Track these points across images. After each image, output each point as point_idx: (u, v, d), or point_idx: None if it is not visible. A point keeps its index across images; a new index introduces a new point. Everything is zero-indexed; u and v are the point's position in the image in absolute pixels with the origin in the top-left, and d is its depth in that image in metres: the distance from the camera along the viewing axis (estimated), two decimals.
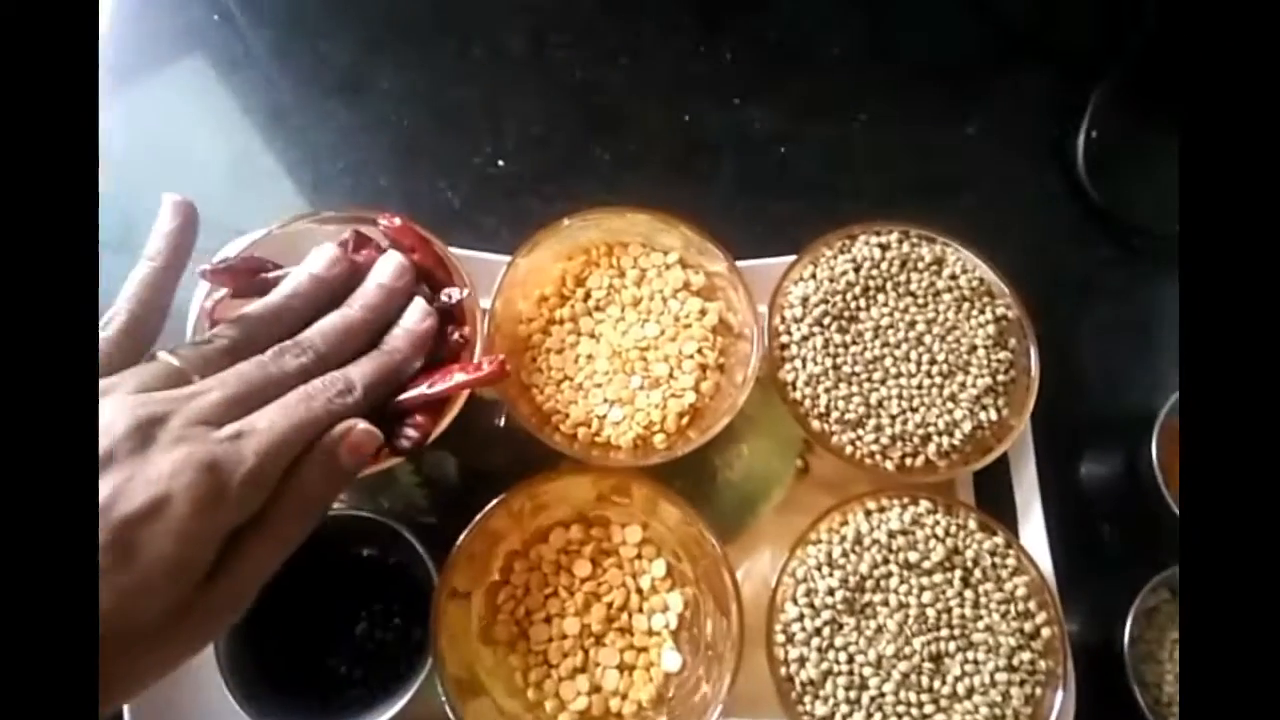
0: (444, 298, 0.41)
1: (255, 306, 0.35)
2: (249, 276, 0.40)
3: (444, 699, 0.37)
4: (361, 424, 0.32)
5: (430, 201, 0.53)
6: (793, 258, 0.46)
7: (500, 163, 0.54)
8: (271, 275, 0.40)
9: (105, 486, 0.26)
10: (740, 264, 0.45)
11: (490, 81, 0.57)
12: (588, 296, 0.45)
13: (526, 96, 0.57)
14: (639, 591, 0.43)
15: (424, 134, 0.55)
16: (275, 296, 0.36)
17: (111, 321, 0.32)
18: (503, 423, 0.48)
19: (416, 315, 0.37)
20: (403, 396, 0.37)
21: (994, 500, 0.46)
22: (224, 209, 0.54)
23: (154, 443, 0.27)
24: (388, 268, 0.38)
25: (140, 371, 0.30)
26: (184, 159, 0.55)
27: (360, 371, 0.34)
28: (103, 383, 0.30)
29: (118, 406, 0.28)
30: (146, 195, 0.53)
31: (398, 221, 0.42)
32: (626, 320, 0.45)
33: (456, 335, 0.40)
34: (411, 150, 0.55)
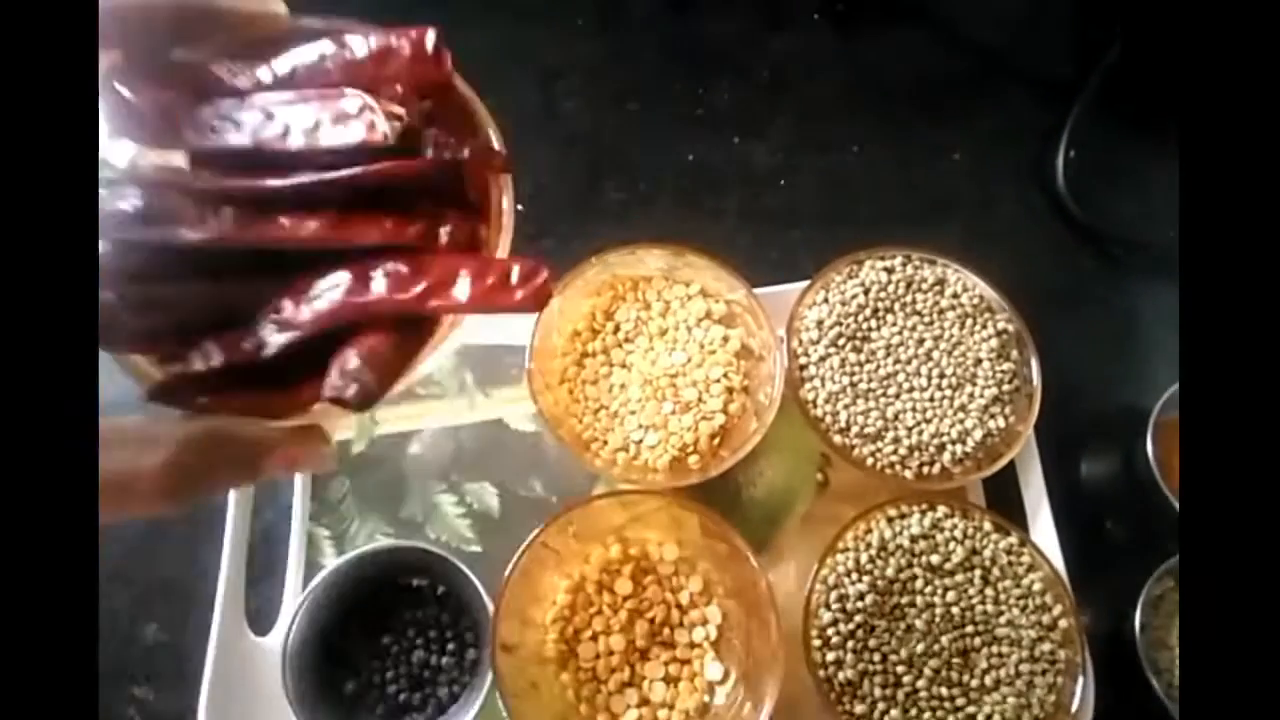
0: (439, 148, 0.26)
1: None
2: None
3: (505, 714, 0.39)
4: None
5: None
6: (804, 284, 0.49)
7: (518, 207, 0.57)
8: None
9: None
10: (755, 291, 0.48)
11: (502, 129, 0.60)
12: (617, 329, 0.48)
13: (538, 143, 0.60)
14: (679, 606, 0.45)
15: None
16: None
17: None
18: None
19: None
20: (366, 297, 0.24)
21: (1001, 503, 0.49)
22: None
23: None
24: None
25: None
26: None
27: None
28: None
29: None
30: None
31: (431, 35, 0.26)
32: (655, 349, 0.48)
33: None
34: None
